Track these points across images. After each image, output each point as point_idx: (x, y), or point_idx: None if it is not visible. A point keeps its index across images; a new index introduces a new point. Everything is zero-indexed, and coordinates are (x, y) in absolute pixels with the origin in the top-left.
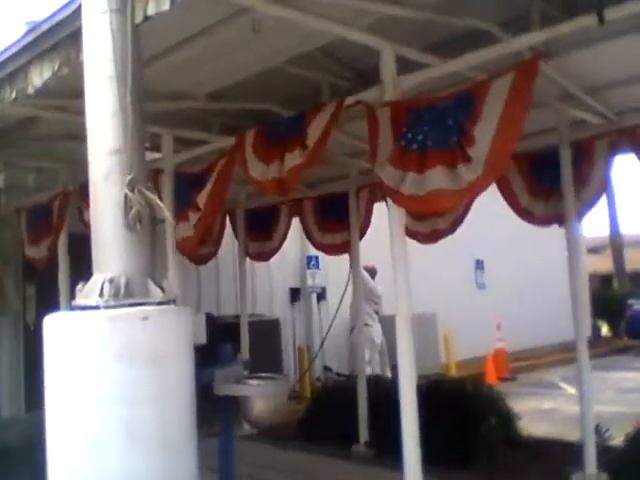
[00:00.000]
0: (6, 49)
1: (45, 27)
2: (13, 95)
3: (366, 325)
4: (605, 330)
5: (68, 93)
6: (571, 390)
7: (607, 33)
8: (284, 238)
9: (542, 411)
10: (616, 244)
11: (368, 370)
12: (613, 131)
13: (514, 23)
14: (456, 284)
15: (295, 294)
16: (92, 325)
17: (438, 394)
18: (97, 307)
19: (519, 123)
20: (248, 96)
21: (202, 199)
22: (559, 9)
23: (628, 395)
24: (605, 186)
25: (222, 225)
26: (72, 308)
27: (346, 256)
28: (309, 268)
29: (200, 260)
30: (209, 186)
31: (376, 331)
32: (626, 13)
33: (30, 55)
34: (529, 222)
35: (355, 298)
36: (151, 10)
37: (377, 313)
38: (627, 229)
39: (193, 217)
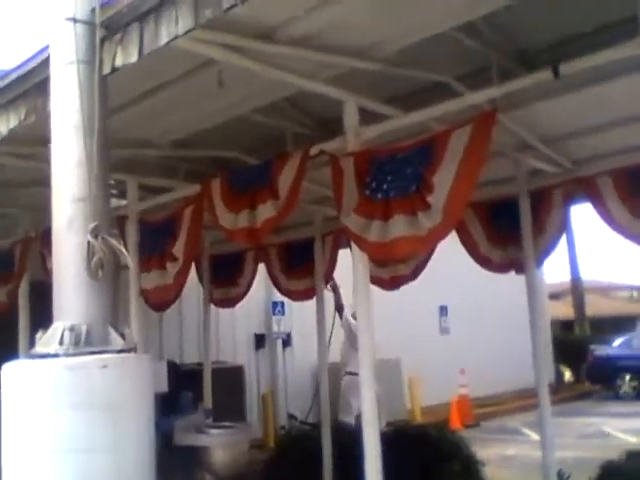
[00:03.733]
0: None
1: (13, 76)
2: None
3: (354, 374)
4: (568, 375)
5: (32, 140)
6: (534, 436)
7: (563, 86)
8: (250, 284)
9: (506, 457)
10: (577, 290)
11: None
12: (570, 180)
13: (472, 76)
14: (420, 330)
15: (260, 340)
16: (50, 373)
17: (403, 441)
18: (56, 355)
19: (476, 173)
20: (213, 144)
21: (179, 249)
22: (516, 62)
23: (590, 440)
24: (562, 233)
25: None
26: (31, 356)
27: (312, 302)
28: (275, 314)
29: (160, 307)
30: (183, 236)
31: None
32: (580, 67)
33: None
34: (488, 269)
35: (320, 345)
36: (119, 62)
37: None
38: (587, 275)
39: (170, 267)
